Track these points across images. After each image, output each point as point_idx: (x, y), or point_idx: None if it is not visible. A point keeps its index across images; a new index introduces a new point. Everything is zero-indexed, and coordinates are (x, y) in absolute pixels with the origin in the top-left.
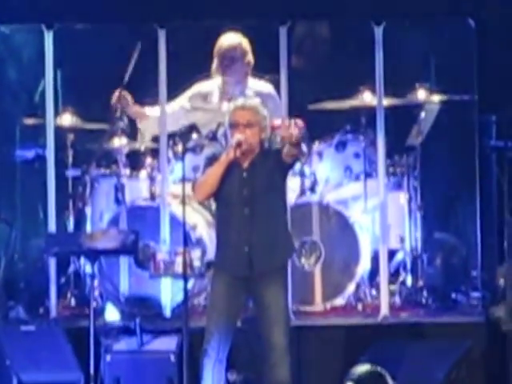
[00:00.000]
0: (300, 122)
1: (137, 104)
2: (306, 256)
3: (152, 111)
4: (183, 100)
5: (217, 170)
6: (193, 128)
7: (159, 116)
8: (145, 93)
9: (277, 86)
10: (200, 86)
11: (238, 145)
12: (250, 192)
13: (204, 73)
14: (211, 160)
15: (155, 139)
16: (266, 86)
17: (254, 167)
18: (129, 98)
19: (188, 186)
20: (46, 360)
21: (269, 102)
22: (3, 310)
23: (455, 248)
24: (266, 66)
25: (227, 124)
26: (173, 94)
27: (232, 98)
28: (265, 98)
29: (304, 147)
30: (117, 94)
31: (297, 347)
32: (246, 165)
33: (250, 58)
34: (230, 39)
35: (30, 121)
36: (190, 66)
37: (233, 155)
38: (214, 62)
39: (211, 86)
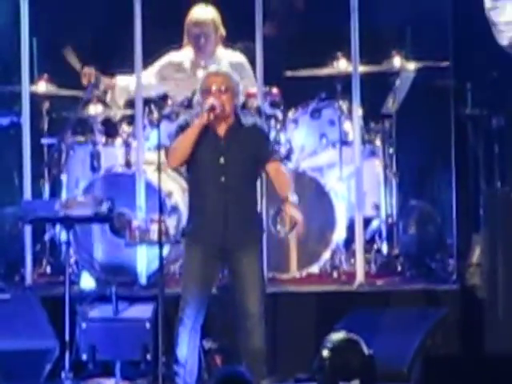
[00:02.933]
0: (275, 91)
1: (106, 75)
2: (282, 223)
3: (121, 81)
4: (155, 70)
5: (190, 135)
6: (166, 97)
7: (135, 84)
8: (120, 62)
9: (249, 54)
10: (171, 56)
11: (212, 108)
12: (227, 160)
13: (178, 42)
14: (183, 127)
15: (131, 105)
16: (238, 56)
17: (230, 136)
18: (95, 74)
19: (163, 154)
20: (21, 328)
21: (242, 72)
22: None
23: (431, 216)
24: (238, 34)
25: (200, 90)
26: (147, 62)
27: (206, 67)
28: (238, 68)
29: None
30: (84, 73)
31: (272, 314)
32: (222, 133)
33: (222, 31)
34: (201, 15)
35: (5, 88)
36: (165, 35)
37: (206, 119)
38: (185, 34)
39: (183, 56)
